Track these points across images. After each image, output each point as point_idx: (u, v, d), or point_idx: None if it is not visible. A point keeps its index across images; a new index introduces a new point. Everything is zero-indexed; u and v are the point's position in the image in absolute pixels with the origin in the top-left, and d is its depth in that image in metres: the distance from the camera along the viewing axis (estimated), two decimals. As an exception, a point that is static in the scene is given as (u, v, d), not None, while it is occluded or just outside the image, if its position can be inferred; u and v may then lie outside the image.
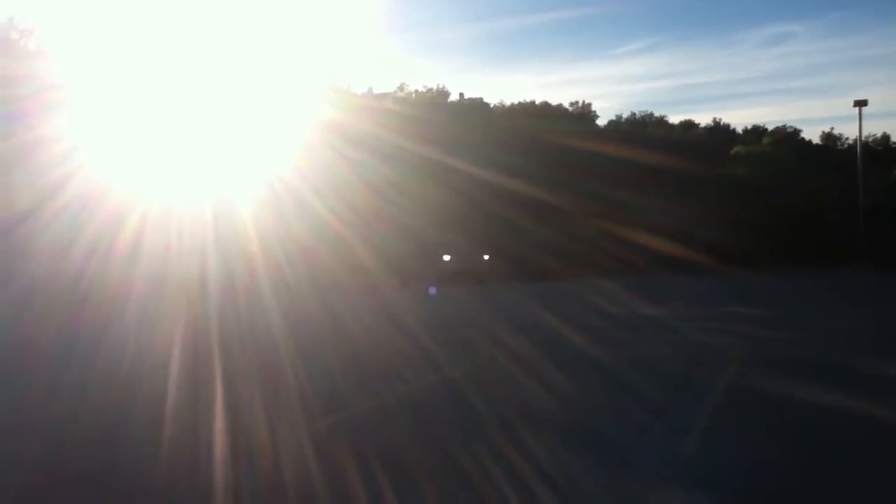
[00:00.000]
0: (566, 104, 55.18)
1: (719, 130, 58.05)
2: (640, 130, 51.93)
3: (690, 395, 9.21)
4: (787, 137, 53.42)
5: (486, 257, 36.23)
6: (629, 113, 56.65)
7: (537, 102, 53.13)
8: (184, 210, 26.67)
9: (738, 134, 57.65)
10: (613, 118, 56.66)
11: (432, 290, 31.03)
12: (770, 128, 56.61)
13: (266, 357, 12.57)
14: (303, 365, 11.68)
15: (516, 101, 52.92)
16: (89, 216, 23.91)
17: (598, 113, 55.99)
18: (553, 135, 43.86)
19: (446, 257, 35.61)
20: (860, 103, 43.78)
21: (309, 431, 7.52)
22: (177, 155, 28.14)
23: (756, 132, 56.72)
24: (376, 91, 48.91)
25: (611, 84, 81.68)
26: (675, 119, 57.81)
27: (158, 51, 32.77)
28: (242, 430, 7.71)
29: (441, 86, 51.36)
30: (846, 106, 56.45)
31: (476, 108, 49.79)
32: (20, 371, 11.98)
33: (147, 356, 12.63)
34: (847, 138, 52.81)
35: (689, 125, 57.93)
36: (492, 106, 51.77)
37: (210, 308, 20.09)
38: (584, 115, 54.84)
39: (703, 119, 60.81)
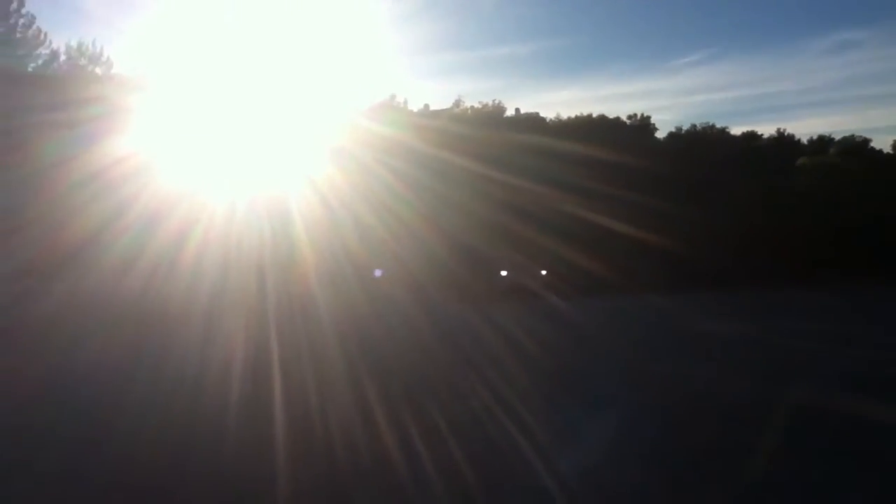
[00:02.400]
0: (624, 117, 54.26)
1: (784, 142, 56.26)
2: (701, 143, 50.68)
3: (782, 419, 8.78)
4: (856, 147, 51.47)
5: (543, 272, 35.83)
6: (689, 125, 55.18)
7: (594, 116, 52.38)
8: (243, 227, 27.09)
9: (804, 145, 55.85)
10: (673, 130, 55.34)
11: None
12: (837, 138, 54.67)
13: (328, 373, 12.50)
14: (369, 379, 11.57)
15: (573, 115, 52.28)
16: (152, 233, 24.49)
17: (657, 126, 54.80)
18: (611, 148, 43.20)
19: (503, 273, 35.41)
20: (934, 110, 42.04)
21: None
22: (236, 174, 28.69)
23: (822, 143, 54.88)
24: (433, 108, 48.89)
25: (669, 96, 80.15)
26: (737, 131, 56.11)
27: (219, 76, 33.45)
28: (308, 452, 7.61)
29: (497, 101, 51.03)
30: (918, 113, 54.11)
31: (532, 122, 49.39)
32: (88, 388, 12.11)
33: (210, 373, 12.69)
34: (920, 146, 50.56)
35: (751, 136, 56.29)
36: (548, 120, 51.28)
37: (270, 323, 20.21)
38: (642, 128, 53.80)
39: (767, 130, 58.64)
